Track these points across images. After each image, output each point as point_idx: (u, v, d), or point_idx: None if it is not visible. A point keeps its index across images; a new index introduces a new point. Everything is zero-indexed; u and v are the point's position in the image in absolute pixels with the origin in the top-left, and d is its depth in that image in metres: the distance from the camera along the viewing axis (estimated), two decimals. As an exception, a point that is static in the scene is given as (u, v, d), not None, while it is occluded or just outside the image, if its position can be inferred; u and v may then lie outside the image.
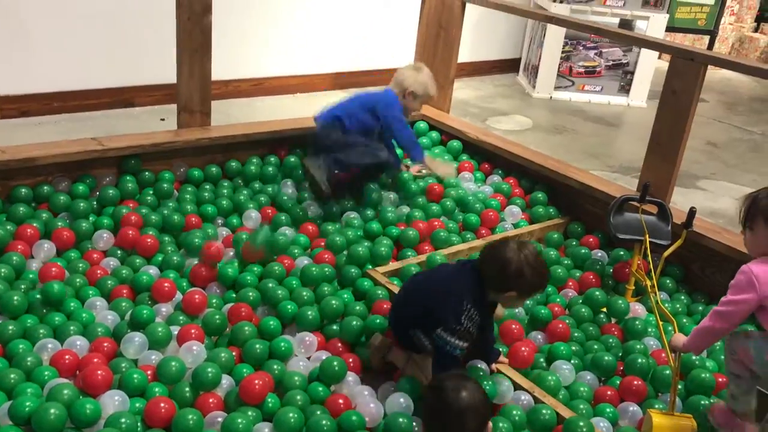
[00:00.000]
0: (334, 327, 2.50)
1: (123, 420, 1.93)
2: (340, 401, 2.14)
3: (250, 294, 2.56)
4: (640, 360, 2.45)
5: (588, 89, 6.18)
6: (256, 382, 2.09)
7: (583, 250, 3.14)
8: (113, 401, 2.01)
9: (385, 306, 2.51)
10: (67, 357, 2.16)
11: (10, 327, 2.24)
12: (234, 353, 2.29)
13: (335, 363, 2.25)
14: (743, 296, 1.99)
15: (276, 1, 4.97)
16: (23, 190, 2.91)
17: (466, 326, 2.09)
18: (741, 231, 2.14)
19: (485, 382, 2.17)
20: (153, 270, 2.67)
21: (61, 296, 2.40)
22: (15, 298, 2.32)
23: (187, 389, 2.12)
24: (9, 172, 2.90)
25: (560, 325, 2.60)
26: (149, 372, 2.15)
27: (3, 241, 2.62)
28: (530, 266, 2.05)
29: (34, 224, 2.74)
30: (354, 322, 2.46)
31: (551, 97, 6.12)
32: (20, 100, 4.14)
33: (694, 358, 2.47)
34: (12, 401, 1.94)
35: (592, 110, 5.94)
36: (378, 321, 2.44)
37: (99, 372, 2.07)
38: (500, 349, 2.38)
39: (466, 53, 5.77)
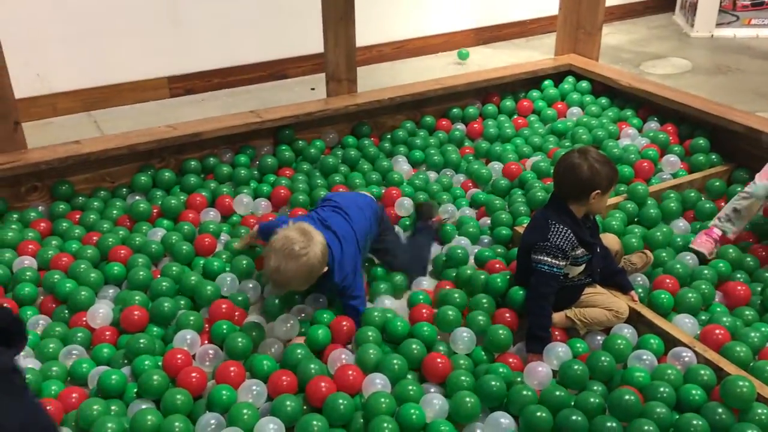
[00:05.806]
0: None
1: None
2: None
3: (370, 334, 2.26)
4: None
5: (755, 23, 5.65)
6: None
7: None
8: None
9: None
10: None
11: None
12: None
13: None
14: None
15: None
16: (192, 162, 3.17)
17: (554, 242, 2.15)
18: None
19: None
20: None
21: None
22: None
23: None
24: (180, 147, 3.17)
25: (739, 287, 2.47)
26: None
27: (177, 210, 2.89)
28: (599, 162, 2.17)
29: (203, 193, 3.00)
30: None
31: (712, 36, 5.67)
32: (185, 79, 4.45)
33: None
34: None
35: (761, 46, 5.44)
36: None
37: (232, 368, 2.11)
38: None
39: (615, -5, 5.50)
